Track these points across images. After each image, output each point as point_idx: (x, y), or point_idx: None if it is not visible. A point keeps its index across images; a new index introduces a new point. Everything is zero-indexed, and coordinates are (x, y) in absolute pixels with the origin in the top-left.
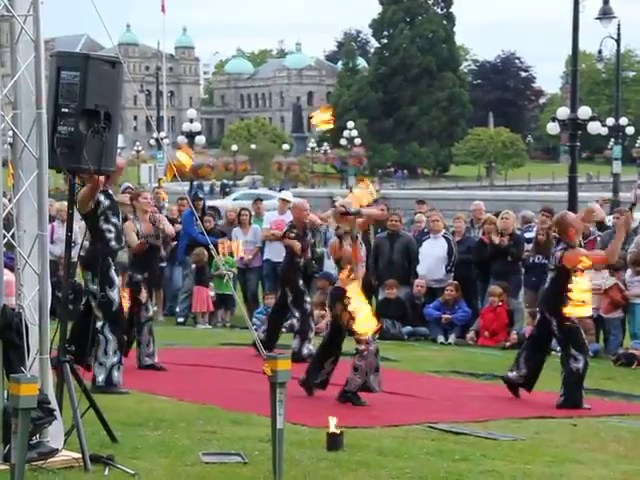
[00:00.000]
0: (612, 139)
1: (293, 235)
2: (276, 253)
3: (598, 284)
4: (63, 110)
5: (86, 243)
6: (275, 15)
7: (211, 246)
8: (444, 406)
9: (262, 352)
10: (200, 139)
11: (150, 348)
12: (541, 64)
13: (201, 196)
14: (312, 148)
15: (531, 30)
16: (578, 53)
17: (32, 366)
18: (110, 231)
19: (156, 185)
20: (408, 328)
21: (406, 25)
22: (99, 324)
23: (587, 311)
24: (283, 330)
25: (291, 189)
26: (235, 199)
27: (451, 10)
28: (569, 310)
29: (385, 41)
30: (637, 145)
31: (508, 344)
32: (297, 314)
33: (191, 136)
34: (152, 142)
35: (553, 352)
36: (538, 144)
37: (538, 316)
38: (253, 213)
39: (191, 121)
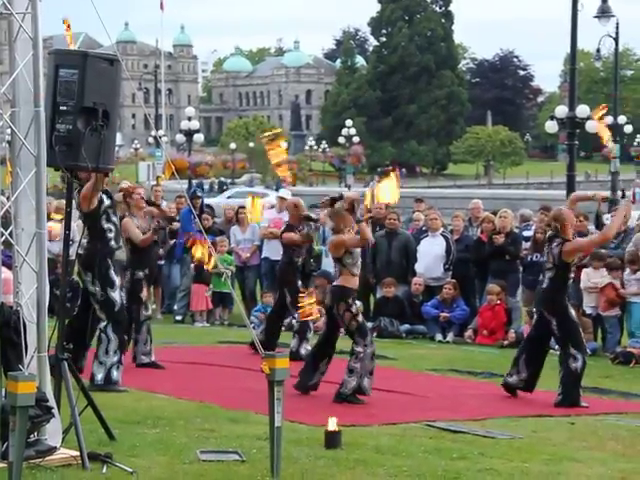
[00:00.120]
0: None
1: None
2: (274, 251)
3: (596, 282)
4: (61, 108)
5: (84, 242)
6: (273, 13)
7: (209, 244)
8: (442, 404)
9: (260, 350)
10: (198, 137)
11: (147, 347)
12: (539, 62)
13: (199, 194)
14: (310, 146)
15: (529, 29)
16: (576, 52)
17: (30, 364)
18: (111, 230)
19: (154, 183)
20: (406, 326)
21: (405, 23)
22: (102, 324)
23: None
24: (282, 328)
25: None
26: (229, 197)
27: (450, 8)
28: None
29: (384, 39)
30: (635, 143)
31: (506, 342)
32: (297, 315)
33: (189, 134)
34: (150, 140)
35: (552, 350)
36: (536, 142)
37: (535, 317)
38: None
39: (189, 119)
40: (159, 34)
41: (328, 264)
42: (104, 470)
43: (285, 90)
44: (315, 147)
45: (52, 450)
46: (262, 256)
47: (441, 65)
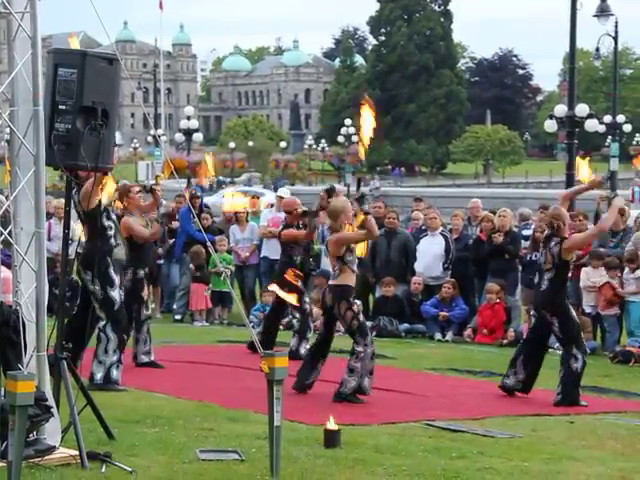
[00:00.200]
0: (609, 136)
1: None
2: (273, 250)
3: (595, 281)
4: (60, 107)
5: (83, 241)
6: (273, 12)
7: (208, 243)
8: (441, 403)
9: (259, 350)
10: (197, 136)
11: (147, 346)
12: (539, 62)
13: (198, 194)
14: (309, 145)
15: (529, 28)
16: (575, 51)
17: (29, 363)
18: (111, 228)
19: (153, 182)
20: (405, 325)
21: (404, 22)
22: (101, 323)
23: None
24: (280, 327)
25: (288, 187)
26: (224, 196)
27: (449, 7)
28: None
29: (383, 38)
30: (634, 143)
31: (505, 341)
32: (297, 314)
33: (188, 133)
34: (149, 139)
35: (551, 349)
36: (535, 142)
37: (533, 319)
38: (250, 211)
39: (188, 118)
40: (158, 33)
41: (327, 263)
42: (103, 469)
43: (284, 89)
44: (314, 146)
45: (51, 449)
46: (261, 255)
47: (440, 64)
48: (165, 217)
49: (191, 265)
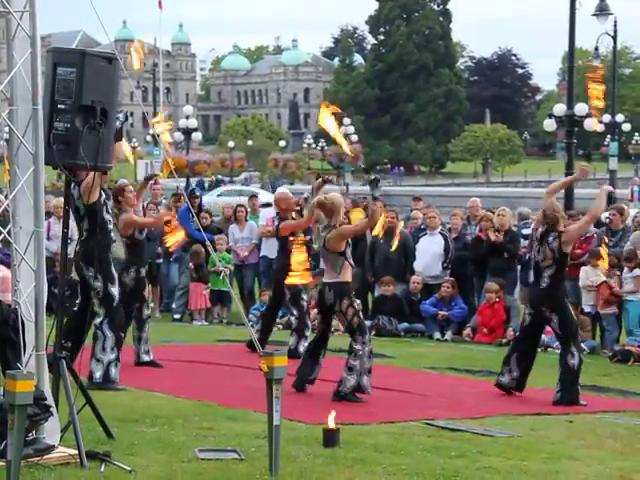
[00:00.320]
0: (608, 136)
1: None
2: (273, 250)
3: (594, 281)
4: (59, 106)
5: (83, 238)
6: (272, 11)
7: (207, 242)
8: (440, 403)
9: (259, 349)
10: (196, 135)
11: (147, 345)
12: (538, 61)
13: (197, 193)
14: (309, 144)
15: (528, 27)
16: (575, 50)
17: (28, 362)
18: (110, 222)
19: (153, 181)
20: (404, 324)
21: (403, 22)
22: (98, 320)
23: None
24: (280, 327)
25: (286, 186)
26: (219, 195)
27: (448, 7)
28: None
29: (382, 37)
30: (633, 142)
31: (504, 341)
32: (294, 312)
33: (188, 132)
34: (148, 138)
35: (550, 349)
36: (534, 141)
37: (528, 317)
38: (249, 210)
39: (187, 117)
40: (157, 32)
41: None
42: (102, 469)
43: (283, 88)
44: (313, 145)
45: (50, 448)
46: (260, 254)
47: (439, 63)
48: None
49: (190, 264)
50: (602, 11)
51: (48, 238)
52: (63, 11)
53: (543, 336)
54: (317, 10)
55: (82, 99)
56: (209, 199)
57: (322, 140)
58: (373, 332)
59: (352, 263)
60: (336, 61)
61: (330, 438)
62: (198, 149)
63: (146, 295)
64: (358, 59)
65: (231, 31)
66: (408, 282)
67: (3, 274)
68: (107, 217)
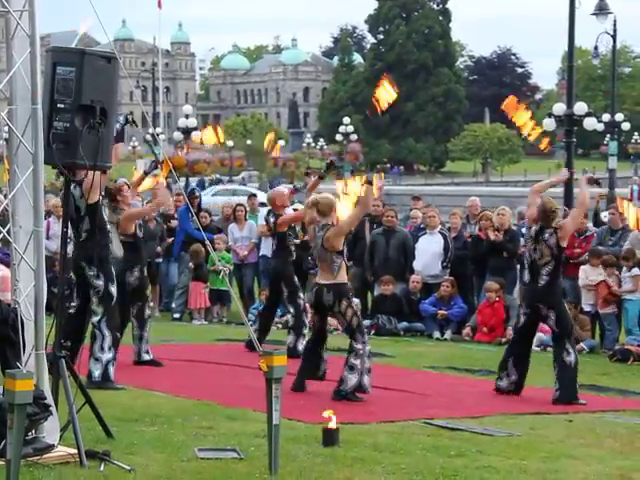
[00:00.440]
0: (608, 135)
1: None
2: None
3: (593, 280)
4: (59, 106)
5: (83, 238)
6: (271, 11)
7: (207, 242)
8: (440, 402)
9: (258, 348)
10: (196, 135)
11: (148, 344)
12: (537, 60)
13: (197, 193)
14: (308, 144)
15: (527, 26)
16: (574, 49)
17: (28, 362)
18: (108, 221)
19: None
20: (404, 324)
21: (402, 21)
22: (95, 319)
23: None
24: (279, 326)
25: (285, 185)
26: (214, 194)
27: (447, 6)
28: None
29: (381, 37)
30: (633, 141)
31: (504, 340)
32: (292, 310)
33: (187, 132)
34: (148, 138)
35: (549, 348)
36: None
37: (523, 317)
38: (248, 209)
39: (187, 117)
40: (157, 32)
41: None
42: (102, 468)
43: (283, 88)
44: (313, 144)
45: (50, 448)
46: (260, 254)
47: (439, 63)
48: (163, 216)
49: (190, 264)
50: (601, 10)
51: (47, 237)
52: (63, 10)
53: (543, 336)
54: (316, 9)
55: (81, 98)
56: (204, 199)
57: (321, 139)
58: (373, 331)
59: (347, 262)
60: (335, 60)
61: (330, 437)
62: (197, 149)
63: (149, 294)
64: (357, 58)
65: (230, 30)
66: (408, 281)
67: (3, 273)
68: (105, 217)
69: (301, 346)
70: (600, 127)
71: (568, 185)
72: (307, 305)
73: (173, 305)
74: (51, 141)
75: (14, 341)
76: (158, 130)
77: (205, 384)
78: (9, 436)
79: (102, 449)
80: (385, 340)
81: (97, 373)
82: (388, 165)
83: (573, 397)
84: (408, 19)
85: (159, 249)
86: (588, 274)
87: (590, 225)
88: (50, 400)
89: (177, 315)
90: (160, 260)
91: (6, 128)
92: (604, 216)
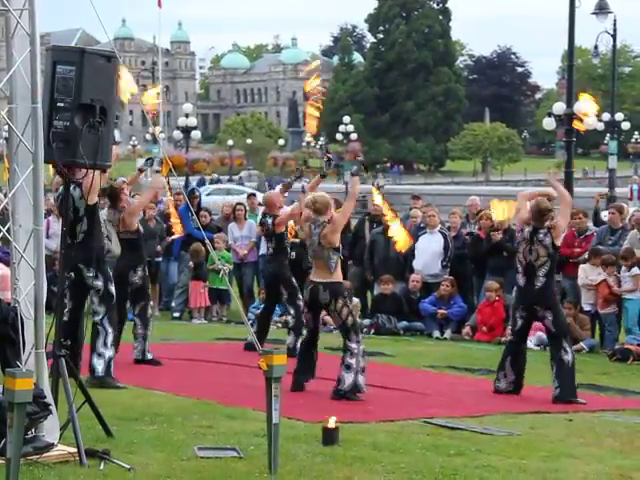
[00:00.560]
0: (608, 134)
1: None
2: None
3: (593, 279)
4: (59, 104)
5: (80, 238)
6: (271, 10)
7: (207, 241)
8: (439, 401)
9: (258, 347)
10: (196, 134)
11: (147, 343)
12: (537, 59)
13: (197, 192)
14: (308, 143)
15: (527, 25)
16: (574, 48)
17: (27, 360)
18: (107, 220)
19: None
20: (404, 323)
21: (402, 20)
22: (98, 317)
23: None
24: (279, 325)
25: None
26: (208, 194)
27: (447, 5)
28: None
29: (381, 36)
30: (633, 140)
31: (504, 339)
32: (292, 310)
33: (187, 131)
34: (148, 137)
35: (549, 347)
36: (534, 139)
37: (520, 320)
38: (248, 208)
39: (187, 116)
40: (157, 31)
41: None
42: (101, 467)
43: (282, 87)
44: (312, 144)
45: (49, 447)
46: (259, 253)
47: (438, 62)
48: (163, 215)
49: (190, 263)
50: (602, 10)
51: (47, 236)
52: (63, 9)
53: (543, 335)
54: (316, 9)
55: (81, 97)
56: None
57: (321, 138)
58: (372, 330)
59: (342, 257)
60: (335, 59)
61: (329, 436)
62: (197, 148)
63: (151, 293)
64: (357, 58)
65: (230, 29)
66: (407, 281)
67: (2, 272)
68: (102, 217)
69: None
70: (600, 126)
71: (567, 184)
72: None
73: (173, 304)
74: (51, 140)
75: (14, 340)
76: (158, 129)
77: (205, 383)
78: (9, 435)
79: (102, 448)
80: (385, 339)
81: (100, 368)
82: (388, 164)
83: (573, 395)
84: (408, 18)
85: (159, 248)
86: (588, 273)
87: (590, 224)
88: (50, 399)
89: (177, 314)
90: (160, 259)
91: (6, 127)
92: (604, 215)
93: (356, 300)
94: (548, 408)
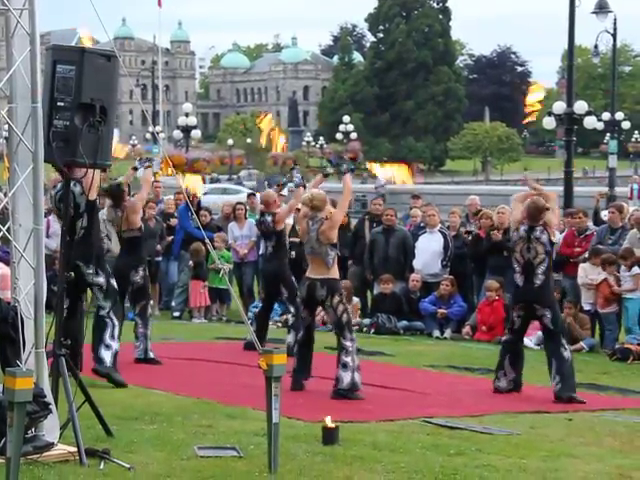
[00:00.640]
0: (608, 134)
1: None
2: None
3: (593, 279)
4: (59, 104)
5: (80, 236)
6: (271, 9)
7: (207, 240)
8: (439, 400)
9: (258, 347)
10: (196, 133)
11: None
12: (537, 59)
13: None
14: (308, 142)
15: (527, 25)
16: (574, 48)
17: (28, 360)
18: (107, 219)
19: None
20: (404, 322)
21: (402, 19)
22: (104, 311)
23: None
24: (279, 324)
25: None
26: (205, 193)
27: (447, 4)
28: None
29: (381, 35)
30: (633, 140)
31: (504, 339)
32: (292, 310)
33: (187, 130)
34: (148, 136)
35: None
36: (534, 139)
37: (518, 320)
38: (248, 208)
39: (187, 115)
40: (157, 30)
41: None
42: (101, 466)
43: (282, 86)
44: (313, 143)
45: (49, 446)
46: (260, 252)
47: (438, 61)
48: (163, 215)
49: (190, 262)
50: (602, 9)
51: (47, 236)
52: (62, 9)
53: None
54: (316, 8)
55: (81, 97)
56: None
57: (321, 138)
58: (372, 330)
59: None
60: (335, 59)
61: (329, 436)
62: (197, 147)
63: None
64: (357, 57)
65: (230, 29)
66: (407, 280)
67: (2, 272)
68: (101, 215)
69: None
70: (600, 126)
71: (567, 183)
72: None
73: (173, 303)
74: (51, 139)
75: (14, 339)
76: (158, 128)
77: (205, 382)
78: (9, 434)
79: (102, 447)
80: (385, 339)
81: (108, 359)
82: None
83: (573, 390)
84: (408, 18)
85: (159, 247)
86: (588, 273)
87: (590, 224)
88: (50, 398)
89: (177, 313)
90: (160, 259)
91: (6, 126)
92: (604, 215)
93: (356, 299)
94: (548, 408)
